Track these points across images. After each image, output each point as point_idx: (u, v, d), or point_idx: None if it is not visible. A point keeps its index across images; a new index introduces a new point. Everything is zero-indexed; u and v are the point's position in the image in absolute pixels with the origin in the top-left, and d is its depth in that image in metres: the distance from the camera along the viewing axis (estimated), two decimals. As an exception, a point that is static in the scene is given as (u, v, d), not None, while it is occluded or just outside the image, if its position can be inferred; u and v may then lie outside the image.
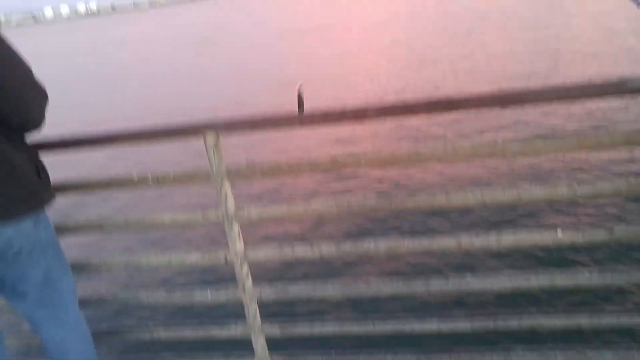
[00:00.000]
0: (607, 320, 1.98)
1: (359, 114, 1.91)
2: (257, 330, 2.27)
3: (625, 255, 3.87)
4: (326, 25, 29.91)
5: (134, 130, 2.03)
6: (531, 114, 9.29)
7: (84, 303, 2.39)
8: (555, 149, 1.84)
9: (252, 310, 2.24)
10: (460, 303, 3.17)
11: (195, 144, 2.06)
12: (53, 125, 2.43)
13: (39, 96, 1.71)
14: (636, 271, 1.88)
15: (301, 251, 2.12)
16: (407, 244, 2.02)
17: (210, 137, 2.00)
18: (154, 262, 2.28)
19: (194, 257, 2.22)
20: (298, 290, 2.21)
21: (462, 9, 28.13)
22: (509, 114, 9.41)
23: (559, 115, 9.19)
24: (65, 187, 2.18)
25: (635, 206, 5.00)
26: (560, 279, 1.94)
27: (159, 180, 2.11)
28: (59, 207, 2.09)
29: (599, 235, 1.85)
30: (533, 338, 2.35)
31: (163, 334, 2.41)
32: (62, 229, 2.17)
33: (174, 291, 2.32)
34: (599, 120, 8.67)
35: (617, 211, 5.00)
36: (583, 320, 1.99)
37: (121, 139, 2.06)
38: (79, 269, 2.30)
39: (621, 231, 1.84)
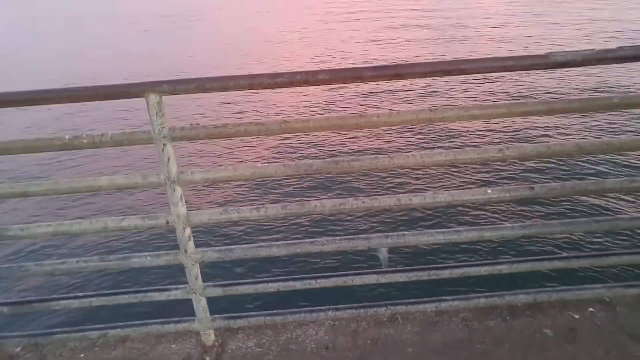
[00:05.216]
0: (524, 267, 2.25)
1: (309, 78, 1.93)
2: (198, 293, 2.26)
3: (544, 209, 4.43)
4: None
5: (72, 90, 1.88)
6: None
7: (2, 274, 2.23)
8: (489, 116, 2.01)
9: (194, 273, 2.22)
10: (398, 258, 3.40)
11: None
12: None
13: None
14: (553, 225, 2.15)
15: (247, 213, 2.13)
16: (351, 203, 2.11)
17: (153, 98, 1.91)
18: (88, 228, 2.15)
19: (132, 222, 2.14)
20: (242, 251, 2.22)
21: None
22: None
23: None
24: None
25: (554, 165, 5.68)
26: (488, 232, 2.16)
27: (95, 142, 1.99)
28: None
29: (522, 192, 2.07)
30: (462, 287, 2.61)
31: (95, 302, 2.31)
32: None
33: (108, 257, 2.23)
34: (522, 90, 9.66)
35: (538, 171, 5.68)
36: (504, 268, 2.24)
37: (59, 98, 1.90)
38: (-2, 238, 2.12)
39: (541, 188, 2.07)
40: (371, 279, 2.26)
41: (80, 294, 2.30)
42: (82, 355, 2.39)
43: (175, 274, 2.23)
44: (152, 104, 1.92)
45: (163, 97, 1.93)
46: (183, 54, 18.09)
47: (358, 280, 2.26)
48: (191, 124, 1.99)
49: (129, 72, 15.19)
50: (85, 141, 1.98)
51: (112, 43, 22.47)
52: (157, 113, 1.93)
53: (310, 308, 2.32)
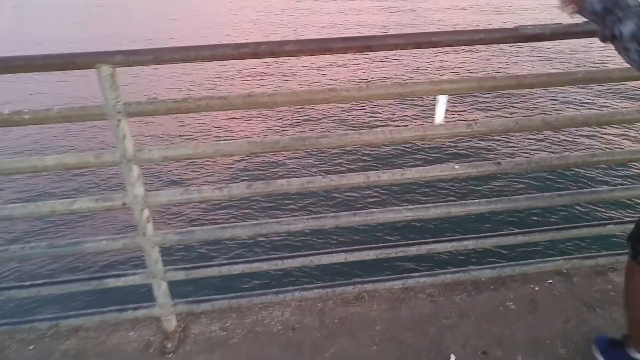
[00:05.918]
0: (489, 242, 2.27)
1: (275, 49, 1.83)
2: (159, 277, 2.14)
3: (509, 185, 4.56)
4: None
5: (12, 59, 1.68)
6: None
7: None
8: (459, 90, 1.98)
9: (154, 257, 2.10)
10: (366, 236, 3.38)
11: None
12: None
13: None
14: (518, 200, 2.17)
15: (209, 193, 2.02)
16: (319, 181, 2.04)
17: (105, 70, 1.75)
18: (33, 212, 1.97)
19: (85, 204, 1.98)
20: (204, 233, 2.12)
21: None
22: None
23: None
24: None
25: (521, 142, 5.83)
26: (455, 209, 2.15)
27: (39, 118, 1.81)
28: None
29: (489, 167, 2.07)
30: (429, 264, 2.63)
31: (44, 291, 2.14)
32: None
33: (58, 243, 2.06)
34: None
35: (506, 146, 5.81)
36: (470, 244, 2.25)
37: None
38: None
39: (507, 163, 2.08)
40: (339, 257, 2.21)
41: (27, 283, 2.13)
42: (31, 347, 2.23)
43: (134, 259, 2.11)
44: (104, 77, 1.76)
45: (117, 69, 1.78)
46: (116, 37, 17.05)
47: (326, 259, 2.21)
48: (149, 98, 1.85)
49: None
50: (27, 117, 1.80)
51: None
52: (110, 86, 1.77)
53: (277, 289, 2.26)
